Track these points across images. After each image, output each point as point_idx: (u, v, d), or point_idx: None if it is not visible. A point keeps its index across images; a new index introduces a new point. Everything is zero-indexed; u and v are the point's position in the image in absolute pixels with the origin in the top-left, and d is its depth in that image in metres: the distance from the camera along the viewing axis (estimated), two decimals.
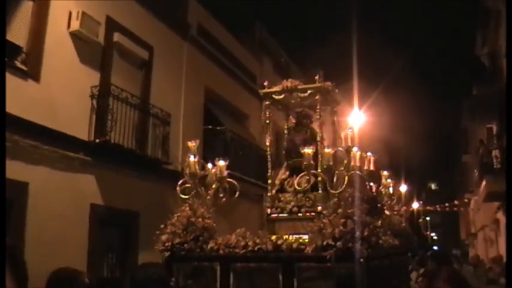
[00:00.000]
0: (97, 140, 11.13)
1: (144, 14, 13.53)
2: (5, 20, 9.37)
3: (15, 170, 8.50)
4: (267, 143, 8.66)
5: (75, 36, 10.97)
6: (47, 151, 9.96)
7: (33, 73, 9.85)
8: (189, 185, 7.66)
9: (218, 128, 16.02)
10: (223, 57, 17.84)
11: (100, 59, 11.82)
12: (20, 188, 9.04)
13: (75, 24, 10.84)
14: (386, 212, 9.34)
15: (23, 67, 9.65)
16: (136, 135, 12.29)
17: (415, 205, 31.34)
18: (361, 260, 5.98)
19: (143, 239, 12.45)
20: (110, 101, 11.36)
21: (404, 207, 12.56)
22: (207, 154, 15.18)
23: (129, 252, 12.23)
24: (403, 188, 12.77)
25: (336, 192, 6.93)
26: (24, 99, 9.13)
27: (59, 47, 10.60)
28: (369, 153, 8.12)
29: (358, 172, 7.17)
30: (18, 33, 9.74)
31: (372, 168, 8.22)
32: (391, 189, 10.42)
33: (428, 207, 44.03)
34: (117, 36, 12.32)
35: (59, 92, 10.45)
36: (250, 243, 6.87)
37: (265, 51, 22.85)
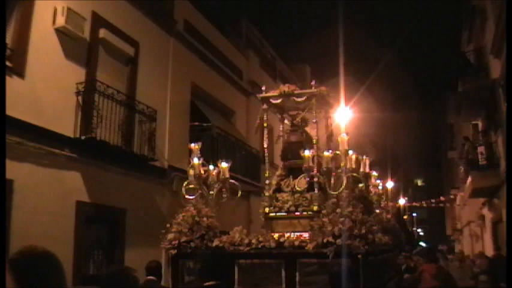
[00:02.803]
0: (83, 137, 11.05)
1: (130, 10, 13.46)
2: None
3: None
4: (265, 145, 9.10)
5: (60, 32, 10.89)
6: (32, 148, 9.90)
7: (18, 69, 9.77)
8: (193, 186, 8.04)
9: (204, 124, 15.98)
10: (210, 53, 17.79)
11: (86, 55, 11.74)
12: (5, 184, 8.96)
13: (61, 20, 10.76)
14: (376, 211, 9.61)
15: (8, 63, 9.56)
16: (123, 131, 12.23)
17: (402, 201, 31.48)
18: (359, 256, 6.41)
19: (130, 235, 12.44)
20: (96, 98, 11.28)
21: (391, 204, 12.63)
22: None
23: (116, 249, 12.19)
24: (390, 184, 12.82)
25: (335, 193, 7.37)
26: (8, 95, 9.02)
27: (44, 43, 10.52)
28: (364, 156, 8.45)
29: (354, 174, 7.68)
30: None
31: (367, 170, 8.51)
32: (380, 188, 10.75)
33: (414, 203, 44.28)
34: (102, 32, 12.24)
35: (44, 89, 10.38)
36: (253, 240, 7.30)
37: (251, 46, 22.85)
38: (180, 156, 14.94)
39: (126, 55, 13.30)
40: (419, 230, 62.32)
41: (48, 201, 10.15)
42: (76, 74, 11.33)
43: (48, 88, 10.48)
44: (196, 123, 16.01)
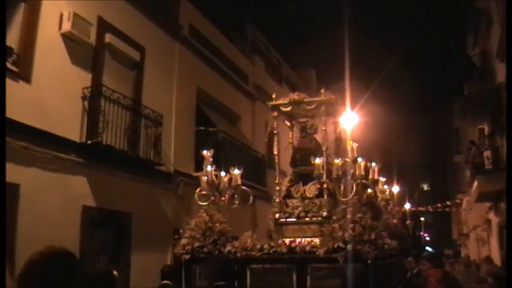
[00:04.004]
0: (89, 142, 11.07)
1: (135, 15, 13.50)
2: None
3: (6, 171, 8.46)
4: (275, 152, 9.24)
5: (66, 37, 10.92)
6: (39, 152, 9.92)
7: (24, 74, 9.80)
8: (206, 192, 8.21)
9: (210, 129, 15.99)
10: (215, 57, 17.82)
11: (91, 60, 11.77)
12: (11, 189, 8.98)
13: (67, 25, 10.79)
14: (383, 216, 9.74)
15: (14, 68, 9.60)
16: (128, 136, 12.24)
17: (407, 206, 31.44)
18: (369, 260, 6.64)
19: (136, 239, 12.45)
20: (102, 102, 11.31)
21: (397, 208, 12.63)
22: (199, 155, 15.20)
23: (122, 253, 12.20)
24: (396, 188, 12.80)
25: (345, 199, 7.56)
26: (15, 100, 9.07)
27: (50, 48, 10.55)
28: (373, 163, 8.60)
29: (364, 181, 7.92)
30: (9, 34, 9.69)
31: (376, 177, 8.66)
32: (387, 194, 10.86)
33: (420, 208, 44.16)
34: (108, 37, 12.28)
35: (51, 93, 10.41)
36: (265, 246, 7.55)
37: (257, 51, 22.86)
38: (185, 160, 14.97)
39: (131, 60, 13.33)
40: (425, 235, 62.11)
41: (54, 205, 10.17)
42: (82, 78, 11.36)
43: (54, 93, 10.51)
44: (202, 128, 16.02)
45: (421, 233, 57.16)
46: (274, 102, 9.21)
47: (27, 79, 9.86)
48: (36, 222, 9.42)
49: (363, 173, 7.91)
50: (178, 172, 14.53)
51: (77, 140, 11.02)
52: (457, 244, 46.48)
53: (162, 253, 13.36)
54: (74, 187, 10.87)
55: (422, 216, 55.12)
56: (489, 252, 23.81)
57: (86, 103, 11.32)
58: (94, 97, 11.32)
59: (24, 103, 9.54)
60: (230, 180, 8.42)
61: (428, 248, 44.31)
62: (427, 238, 63.27)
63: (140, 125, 12.84)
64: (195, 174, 14.89)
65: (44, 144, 10.06)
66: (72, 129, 10.94)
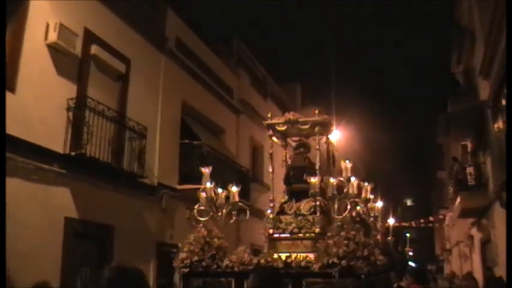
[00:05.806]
0: (72, 153, 11.02)
1: (122, 27, 13.51)
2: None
3: None
4: (270, 170, 9.44)
5: (52, 47, 10.90)
6: (22, 163, 9.86)
7: (9, 84, 9.72)
8: (204, 208, 8.36)
9: (195, 142, 15.98)
10: (201, 70, 17.84)
11: (77, 71, 11.75)
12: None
13: (53, 36, 10.78)
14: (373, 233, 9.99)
15: None
16: (113, 148, 12.22)
17: (391, 221, 31.57)
18: (362, 276, 6.89)
19: (118, 252, 12.37)
20: (86, 114, 11.29)
21: (381, 224, 12.68)
22: (183, 168, 15.21)
23: (104, 266, 12.08)
24: (379, 204, 12.84)
25: (340, 217, 7.77)
26: None
27: (35, 58, 10.52)
28: (366, 183, 8.78)
29: (356, 200, 8.09)
30: None
31: (368, 195, 8.89)
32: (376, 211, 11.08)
33: (403, 223, 44.31)
34: (94, 49, 12.26)
35: (35, 104, 10.37)
36: (262, 260, 7.74)
37: (242, 65, 22.91)
38: (169, 173, 14.94)
39: (117, 72, 13.32)
40: (409, 250, 62.27)
41: (37, 216, 10.09)
42: (67, 89, 11.33)
43: (38, 103, 10.47)
44: (187, 141, 16.01)
45: (406, 248, 57.34)
46: (269, 122, 9.38)
47: (11, 89, 9.80)
48: (18, 233, 9.33)
49: (355, 191, 8.07)
50: (162, 185, 14.49)
51: (61, 151, 10.97)
52: (440, 260, 46.67)
53: (145, 266, 13.29)
54: (57, 198, 10.80)
55: (406, 232, 55.30)
56: (471, 267, 23.95)
57: (71, 114, 11.28)
58: (79, 108, 11.29)
59: (8, 113, 9.45)
60: (227, 196, 8.56)
61: (411, 263, 44.45)
62: (410, 253, 63.45)
63: (124, 137, 12.82)
64: (179, 187, 14.90)
65: (27, 154, 10.00)
66: (56, 140, 10.89)
